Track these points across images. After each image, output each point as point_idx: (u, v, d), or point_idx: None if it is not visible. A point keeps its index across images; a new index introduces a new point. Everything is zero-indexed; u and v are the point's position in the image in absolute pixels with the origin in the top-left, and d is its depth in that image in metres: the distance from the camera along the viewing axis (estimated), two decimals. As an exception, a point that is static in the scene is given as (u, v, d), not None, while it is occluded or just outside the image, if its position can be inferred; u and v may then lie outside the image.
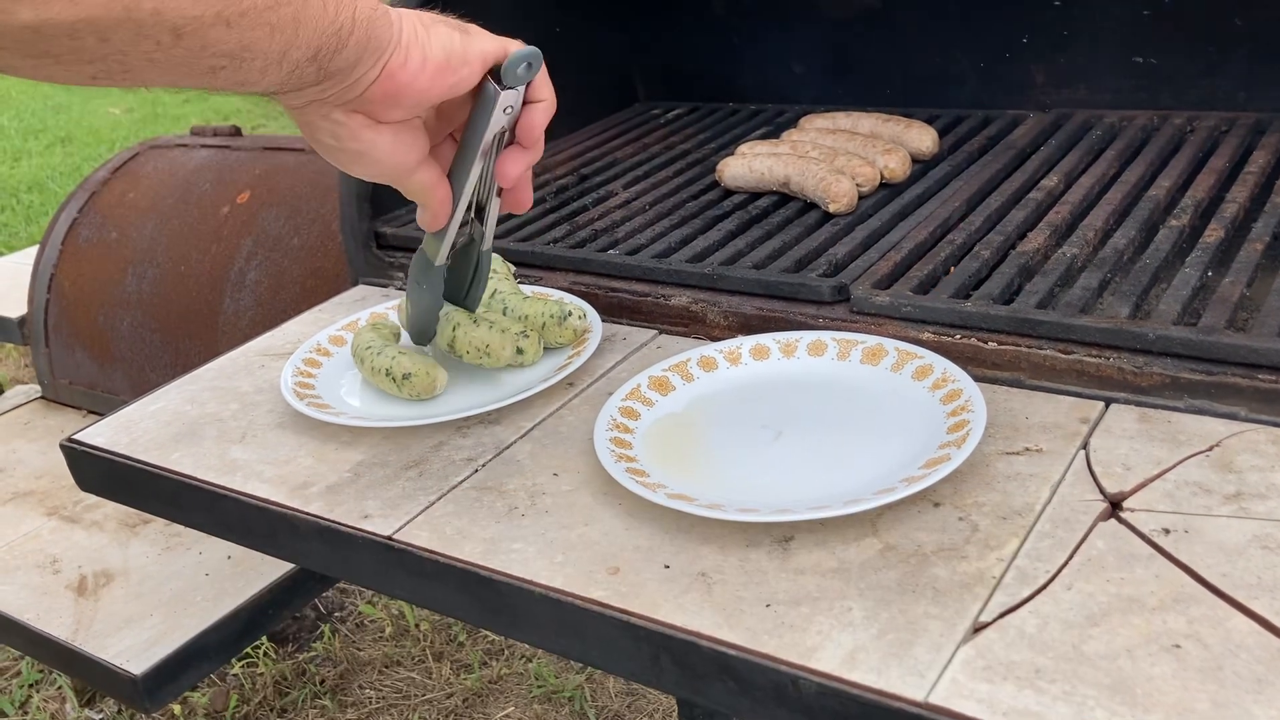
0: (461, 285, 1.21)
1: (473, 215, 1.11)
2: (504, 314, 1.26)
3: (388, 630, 2.63)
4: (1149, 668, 0.73)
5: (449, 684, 2.50)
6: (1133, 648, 0.75)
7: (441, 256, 1.12)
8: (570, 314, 1.23)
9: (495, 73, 0.97)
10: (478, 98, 0.99)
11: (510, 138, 1.03)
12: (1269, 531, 0.84)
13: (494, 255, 1.31)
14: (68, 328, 2.25)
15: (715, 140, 1.79)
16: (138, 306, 2.11)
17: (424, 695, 2.46)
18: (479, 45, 0.95)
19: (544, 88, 1.01)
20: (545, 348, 1.25)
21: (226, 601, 1.59)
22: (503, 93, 0.97)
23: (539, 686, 2.43)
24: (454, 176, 1.05)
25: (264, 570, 1.63)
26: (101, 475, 1.23)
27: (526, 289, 1.36)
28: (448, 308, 1.22)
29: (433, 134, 1.02)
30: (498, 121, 0.99)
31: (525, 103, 1.01)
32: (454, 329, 1.20)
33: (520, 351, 1.20)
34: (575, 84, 1.95)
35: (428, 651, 2.59)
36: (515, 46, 0.97)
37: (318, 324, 1.44)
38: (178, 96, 7.54)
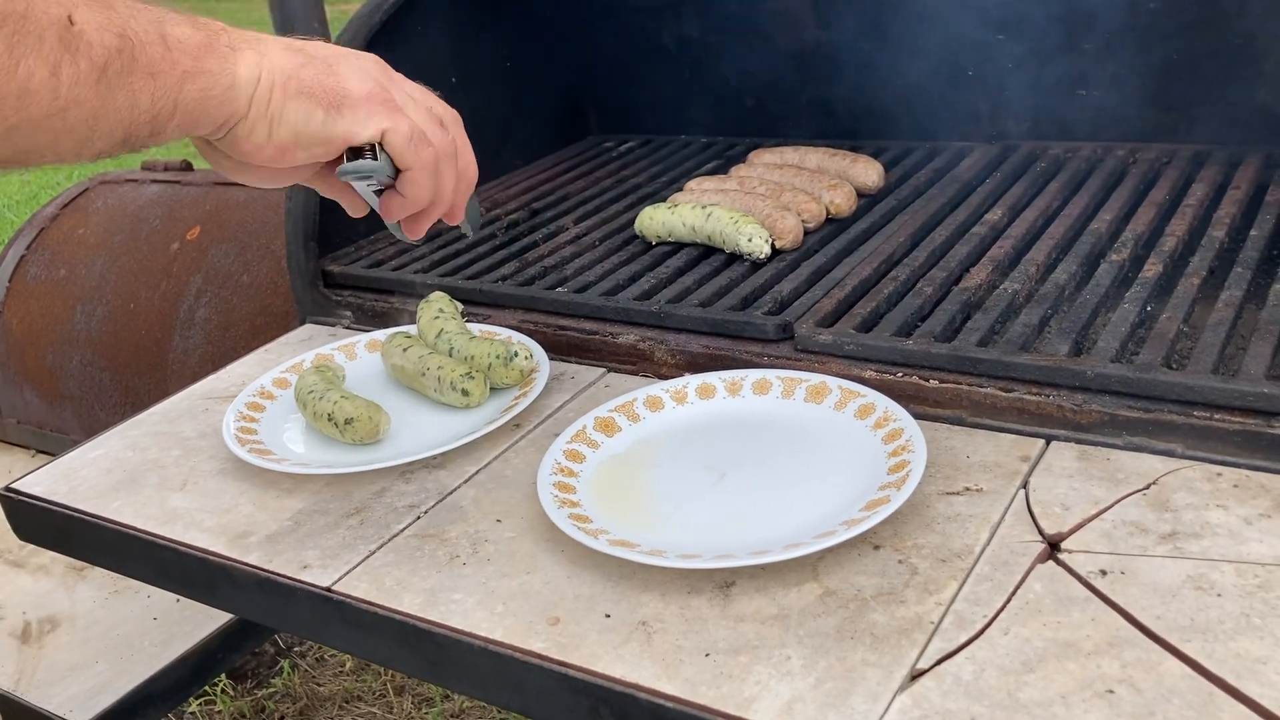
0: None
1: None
2: (450, 354, 1.26)
3: (348, 665, 2.60)
4: (1082, 715, 0.73)
5: (410, 718, 2.47)
6: (1067, 694, 0.75)
7: (401, 234, 1.01)
8: (516, 354, 1.23)
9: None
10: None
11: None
12: (1202, 572, 0.84)
13: (443, 295, 1.31)
14: (15, 366, 2.21)
15: (666, 174, 1.80)
16: (87, 344, 2.08)
17: (385, 731, 2.43)
18: (343, 127, 0.86)
19: (411, 185, 0.91)
20: (492, 387, 1.24)
21: (175, 646, 1.56)
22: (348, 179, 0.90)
23: (501, 719, 2.40)
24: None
25: (214, 613, 1.61)
26: (40, 525, 1.21)
27: (474, 327, 1.35)
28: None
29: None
30: (365, 193, 0.93)
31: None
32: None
33: (466, 393, 1.20)
34: (527, 117, 1.96)
35: (388, 686, 2.55)
36: (394, 135, 0.87)
37: (263, 365, 1.42)
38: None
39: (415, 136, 0.89)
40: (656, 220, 1.47)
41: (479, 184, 1.76)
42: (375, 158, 0.89)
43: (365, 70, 0.89)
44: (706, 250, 1.44)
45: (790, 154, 1.62)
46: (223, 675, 2.48)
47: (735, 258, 1.41)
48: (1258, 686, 0.73)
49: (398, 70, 0.93)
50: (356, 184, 0.91)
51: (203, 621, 1.60)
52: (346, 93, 0.86)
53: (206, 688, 2.43)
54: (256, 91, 0.82)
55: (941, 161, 1.64)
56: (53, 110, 0.70)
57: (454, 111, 0.96)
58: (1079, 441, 1.02)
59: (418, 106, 0.91)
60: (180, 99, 0.77)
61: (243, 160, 0.86)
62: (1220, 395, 0.97)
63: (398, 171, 0.90)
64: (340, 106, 0.85)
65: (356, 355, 1.38)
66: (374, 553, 1.01)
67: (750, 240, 1.36)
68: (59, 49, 0.70)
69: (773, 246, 1.38)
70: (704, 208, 1.42)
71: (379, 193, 0.94)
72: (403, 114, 0.89)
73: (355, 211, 0.99)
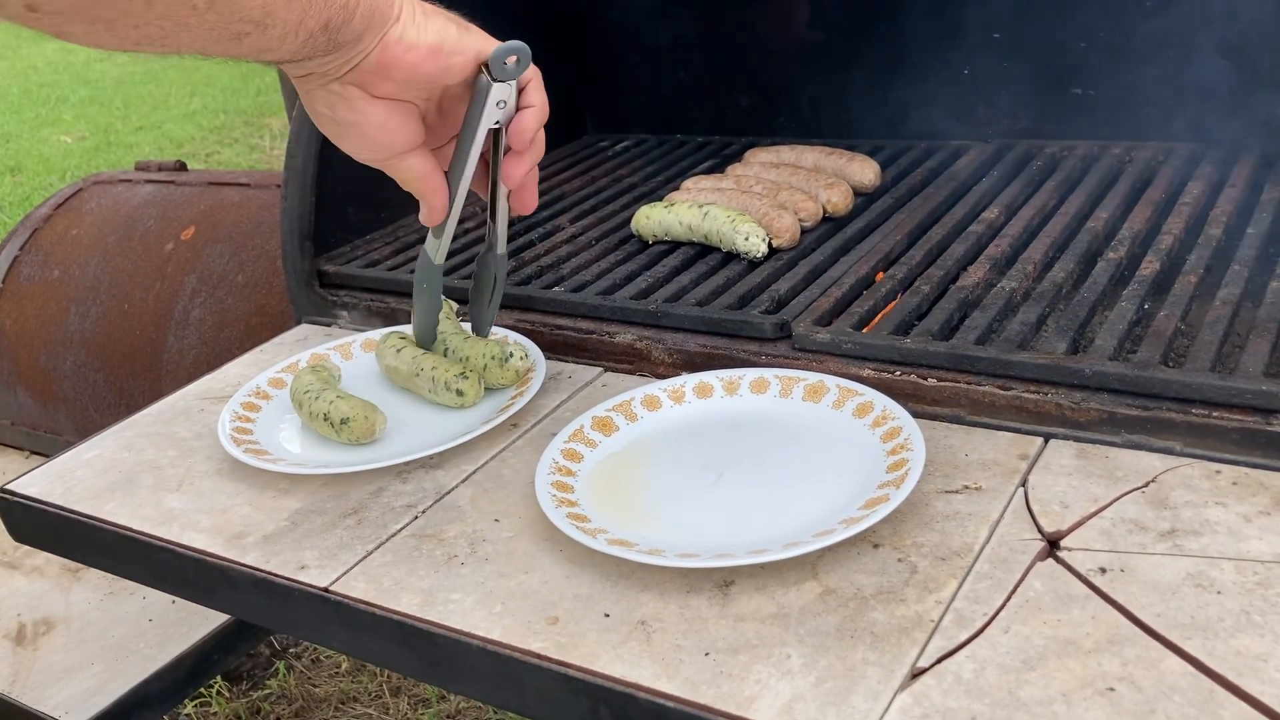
0: (484, 293, 1.23)
1: (488, 218, 1.16)
2: (445, 355, 1.25)
3: (344, 666, 2.59)
4: (1083, 713, 0.73)
5: (406, 719, 2.46)
6: (1068, 692, 0.75)
7: (441, 255, 1.16)
8: (512, 355, 1.22)
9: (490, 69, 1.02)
10: (472, 92, 1.04)
11: (508, 144, 1.08)
12: (1202, 569, 0.84)
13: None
14: (9, 367, 2.20)
15: (662, 174, 1.80)
16: (81, 346, 2.07)
17: (381, 732, 2.42)
18: (473, 40, 1.02)
19: (535, 93, 1.08)
20: (487, 387, 1.24)
21: (170, 648, 1.56)
22: (494, 85, 1.02)
23: (498, 721, 2.40)
24: (451, 173, 1.09)
25: (209, 615, 1.61)
26: (35, 526, 1.21)
27: (469, 326, 1.35)
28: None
29: (434, 135, 1.08)
30: (491, 115, 1.04)
31: (519, 108, 1.06)
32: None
33: (460, 394, 1.19)
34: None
35: (385, 687, 2.55)
36: (512, 49, 1.04)
37: (258, 365, 1.42)
38: (130, 124, 7.46)
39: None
40: (653, 220, 1.47)
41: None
42: None
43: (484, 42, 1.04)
44: (703, 249, 1.44)
45: (787, 153, 1.62)
46: (218, 677, 2.47)
47: (732, 256, 1.41)
48: (1258, 684, 0.73)
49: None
50: (494, 102, 1.04)
51: (198, 623, 1.60)
52: (462, 20, 1.03)
53: (202, 689, 2.42)
54: (403, 3, 0.97)
55: (937, 160, 1.64)
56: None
57: None
58: (1077, 439, 1.02)
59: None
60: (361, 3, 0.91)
61: (386, 68, 0.97)
62: (1218, 393, 0.97)
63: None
64: (466, 27, 1.02)
65: (352, 355, 1.38)
66: (371, 553, 1.01)
67: (747, 239, 1.36)
68: None
69: (770, 245, 1.38)
70: (700, 206, 1.42)
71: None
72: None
73: (434, 215, 1.11)
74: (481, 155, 1.10)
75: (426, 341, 1.26)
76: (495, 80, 1.02)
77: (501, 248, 1.20)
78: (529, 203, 1.16)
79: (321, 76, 0.97)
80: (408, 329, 1.33)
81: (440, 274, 1.21)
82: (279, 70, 1.00)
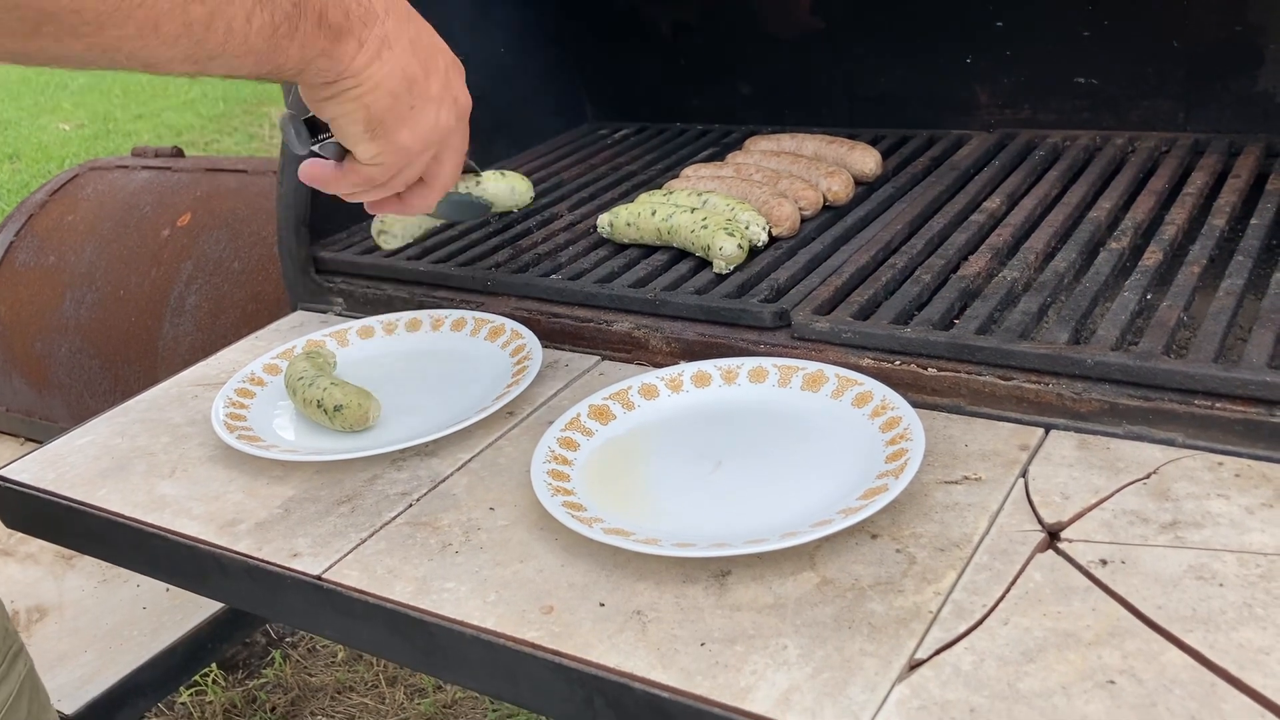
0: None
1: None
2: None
3: (340, 655, 2.59)
4: (1083, 705, 0.72)
5: (402, 709, 2.46)
6: (1068, 684, 0.74)
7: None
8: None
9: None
10: None
11: None
12: (1204, 561, 0.83)
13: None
14: (3, 353, 2.19)
15: (661, 161, 1.78)
16: (76, 332, 2.06)
17: (377, 722, 2.42)
18: (364, 149, 1.01)
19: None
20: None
21: (164, 636, 1.55)
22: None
23: (494, 710, 2.39)
24: None
25: (203, 603, 1.60)
26: (27, 513, 1.20)
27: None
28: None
29: None
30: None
31: None
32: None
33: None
34: (523, 103, 1.94)
35: (381, 676, 2.54)
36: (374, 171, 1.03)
37: (253, 352, 1.41)
38: (129, 112, 7.44)
39: (388, 181, 1.04)
40: (620, 220, 1.43)
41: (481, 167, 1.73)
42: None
43: (427, 132, 1.01)
44: (702, 238, 1.43)
45: (787, 141, 1.60)
46: (214, 665, 2.46)
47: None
48: (1260, 677, 0.72)
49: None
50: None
51: (192, 611, 1.59)
52: (397, 136, 0.99)
53: (197, 678, 2.42)
54: (349, 91, 0.94)
55: (939, 150, 1.62)
56: (239, 49, 0.83)
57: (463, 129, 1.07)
58: (1078, 430, 1.01)
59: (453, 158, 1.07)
60: (307, 69, 0.90)
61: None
62: (1221, 384, 0.96)
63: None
64: (376, 138, 0.98)
65: (348, 342, 1.37)
66: (365, 541, 1.00)
67: (722, 249, 1.31)
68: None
69: (770, 233, 1.37)
70: (700, 195, 1.40)
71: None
72: (398, 177, 1.04)
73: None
74: None
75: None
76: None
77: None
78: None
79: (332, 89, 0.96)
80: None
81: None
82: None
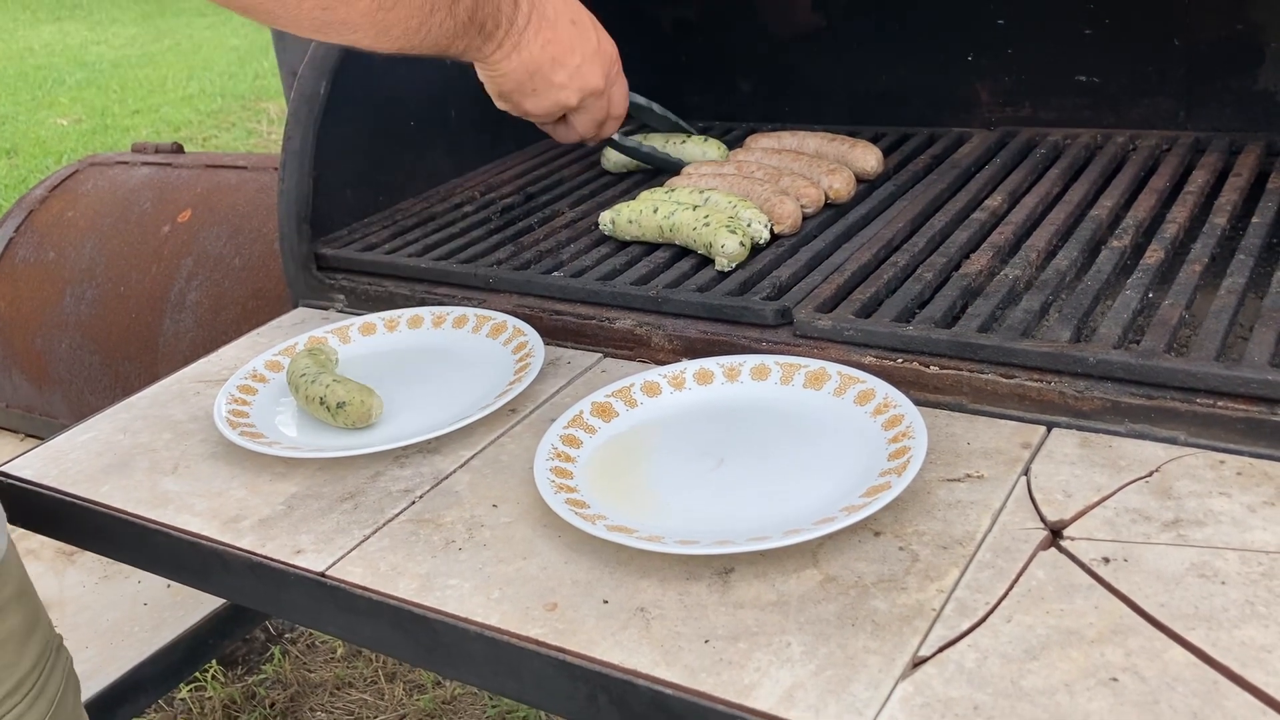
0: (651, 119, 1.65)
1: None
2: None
3: (339, 651, 2.59)
4: (1086, 703, 0.73)
5: (401, 705, 2.46)
6: (1071, 682, 0.75)
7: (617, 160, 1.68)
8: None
9: None
10: None
11: None
12: (1206, 559, 0.84)
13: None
14: (4, 350, 2.19)
15: (663, 158, 1.78)
16: (76, 328, 2.06)
17: (376, 717, 2.42)
18: (526, 107, 1.37)
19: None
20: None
21: (165, 632, 1.55)
22: None
23: (493, 706, 2.40)
24: None
25: (205, 599, 1.60)
26: (29, 509, 1.20)
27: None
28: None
29: None
30: None
31: None
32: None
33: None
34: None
35: (380, 672, 2.55)
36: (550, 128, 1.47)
37: (255, 348, 1.41)
38: (126, 107, 7.43)
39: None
40: (622, 218, 1.43)
41: (476, 167, 1.76)
42: None
43: (549, 106, 1.35)
44: (704, 235, 1.43)
45: (789, 138, 1.60)
46: (214, 662, 2.47)
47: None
48: (1263, 674, 0.73)
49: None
50: None
51: (193, 607, 1.59)
52: (522, 104, 1.34)
53: (197, 674, 2.42)
54: (484, 71, 1.29)
55: (940, 147, 1.62)
56: (428, 46, 1.14)
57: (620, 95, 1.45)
58: (1080, 428, 1.02)
59: (586, 120, 1.42)
60: (458, 55, 1.22)
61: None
62: (1223, 382, 0.96)
63: None
64: (504, 102, 1.35)
65: (350, 338, 1.37)
66: (368, 537, 1.00)
67: (723, 246, 1.31)
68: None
69: (771, 231, 1.37)
70: (701, 192, 1.41)
71: None
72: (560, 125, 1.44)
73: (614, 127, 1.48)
74: None
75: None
76: None
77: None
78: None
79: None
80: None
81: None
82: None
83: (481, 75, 1.29)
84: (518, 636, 0.86)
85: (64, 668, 1.07)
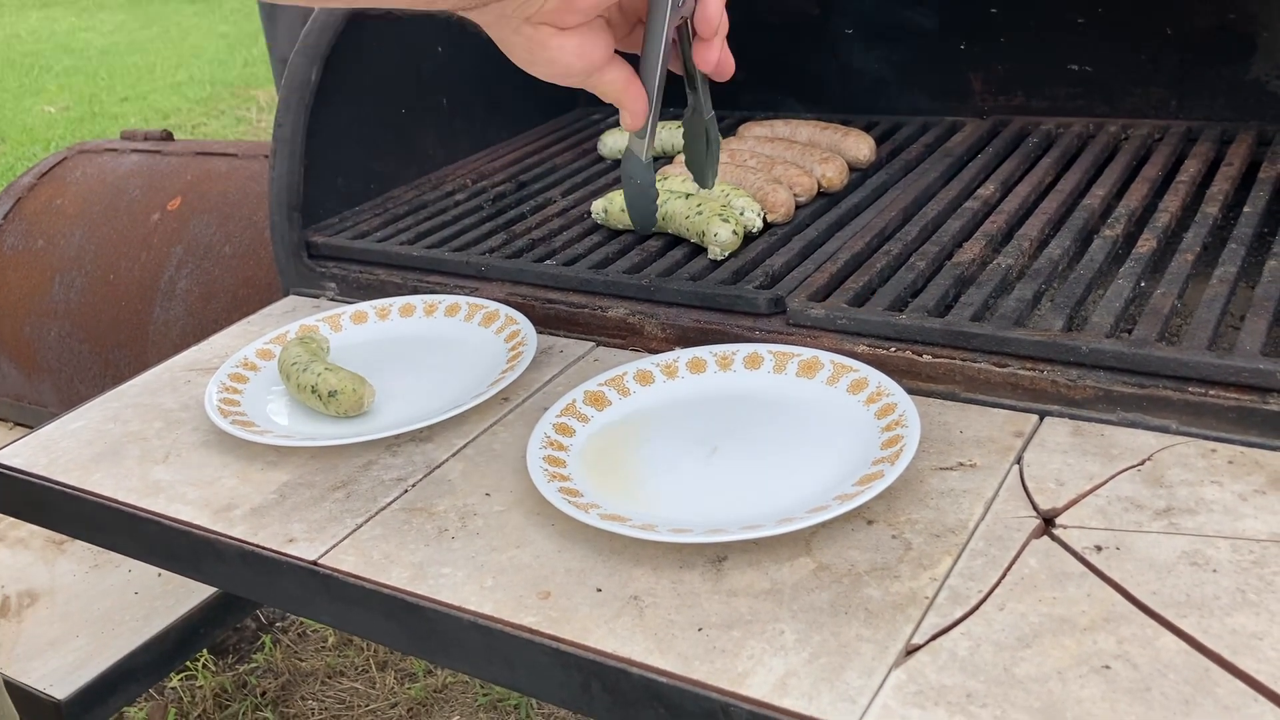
0: (699, 157, 1.20)
1: (688, 89, 1.12)
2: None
3: (330, 640, 2.59)
4: (1079, 690, 0.73)
5: (393, 694, 2.46)
6: (1063, 669, 0.75)
7: (648, 152, 1.14)
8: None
9: None
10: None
11: (693, 31, 1.04)
12: (1198, 548, 0.84)
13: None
14: (-8, 338, 2.18)
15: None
16: (65, 316, 2.05)
17: (367, 705, 2.42)
18: None
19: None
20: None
21: (156, 620, 1.55)
22: None
23: (484, 695, 2.40)
24: (644, 76, 1.06)
25: (195, 588, 1.59)
26: (19, 497, 1.19)
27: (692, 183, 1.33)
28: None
29: (618, 29, 1.05)
30: (675, 12, 1.01)
31: None
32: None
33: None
34: (515, 88, 1.94)
35: (371, 661, 2.55)
36: None
37: (246, 337, 1.40)
38: (115, 95, 7.39)
39: None
40: (615, 205, 1.43)
41: (468, 155, 1.74)
42: None
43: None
44: (696, 223, 1.43)
45: (781, 127, 1.60)
46: (204, 650, 2.46)
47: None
48: (1254, 661, 0.73)
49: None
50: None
51: (184, 596, 1.59)
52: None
53: (188, 663, 2.42)
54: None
55: (933, 136, 1.62)
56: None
57: None
58: (1073, 417, 1.02)
59: None
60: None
61: (570, 9, 0.97)
62: (1215, 371, 0.96)
63: None
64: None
65: (341, 327, 1.36)
66: (361, 526, 1.00)
67: (716, 235, 1.31)
68: None
69: (764, 220, 1.37)
70: (660, 194, 1.40)
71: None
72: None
73: (636, 120, 1.08)
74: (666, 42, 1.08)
75: (647, 225, 1.23)
76: None
77: (708, 112, 1.18)
78: (726, 70, 1.12)
79: (509, 20, 0.99)
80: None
81: (651, 168, 1.18)
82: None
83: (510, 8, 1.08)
84: (511, 625, 0.86)
85: None
